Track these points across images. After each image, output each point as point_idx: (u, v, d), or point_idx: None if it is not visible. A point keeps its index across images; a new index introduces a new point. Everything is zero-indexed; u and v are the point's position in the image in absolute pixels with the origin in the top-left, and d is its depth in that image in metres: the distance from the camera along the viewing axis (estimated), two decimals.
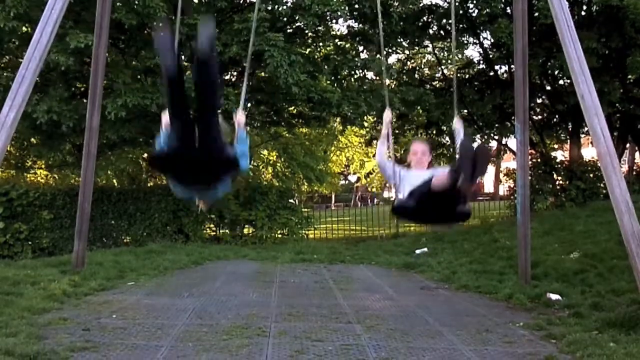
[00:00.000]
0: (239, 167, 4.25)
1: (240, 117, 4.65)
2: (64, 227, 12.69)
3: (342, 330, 5.42)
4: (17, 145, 16.97)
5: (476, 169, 3.94)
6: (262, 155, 25.75)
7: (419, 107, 15.38)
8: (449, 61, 20.41)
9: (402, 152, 21.93)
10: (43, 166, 20.16)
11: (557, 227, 11.84)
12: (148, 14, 10.80)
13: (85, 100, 9.48)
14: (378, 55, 13.94)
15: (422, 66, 20.23)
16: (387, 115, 5.06)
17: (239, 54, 11.42)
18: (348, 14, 12.97)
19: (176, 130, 4.01)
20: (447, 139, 18.99)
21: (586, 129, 13.13)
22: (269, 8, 11.82)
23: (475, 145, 4.16)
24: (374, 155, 5.36)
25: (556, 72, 14.24)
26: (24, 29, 11.79)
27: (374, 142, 21.76)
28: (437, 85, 18.35)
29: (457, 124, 5.30)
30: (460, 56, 19.84)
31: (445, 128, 17.66)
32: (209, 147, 3.95)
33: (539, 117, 17.71)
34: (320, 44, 14.33)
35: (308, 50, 13.61)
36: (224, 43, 11.39)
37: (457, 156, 4.36)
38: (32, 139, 14.75)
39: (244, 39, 11.17)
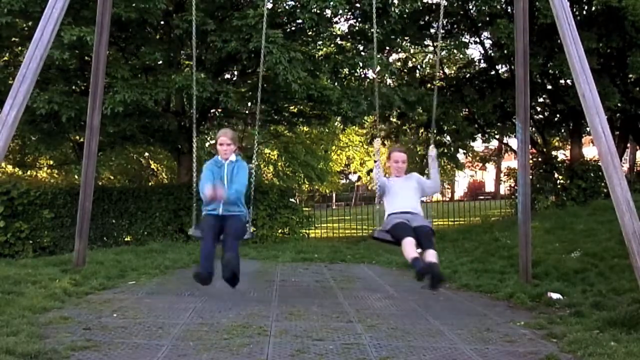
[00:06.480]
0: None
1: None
2: (64, 226, 12.69)
3: (343, 329, 5.41)
4: (18, 143, 16.99)
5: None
6: (263, 154, 25.78)
7: (419, 108, 15.35)
8: (450, 61, 20.40)
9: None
10: (44, 165, 20.19)
11: (558, 226, 11.83)
12: (147, 9, 10.80)
13: (85, 97, 9.48)
14: (379, 55, 13.91)
15: (423, 65, 20.17)
16: (377, 143, 6.43)
17: (239, 50, 11.45)
18: (348, 11, 12.94)
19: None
20: (448, 137, 19.00)
21: (587, 128, 13.13)
22: (269, 6, 11.78)
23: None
24: (374, 164, 6.29)
25: (556, 72, 14.23)
26: (22, 25, 11.77)
27: (375, 140, 21.72)
28: (438, 84, 18.31)
29: (432, 152, 6.33)
30: (461, 56, 19.83)
31: (446, 127, 17.65)
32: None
33: (540, 116, 17.70)
34: (320, 42, 14.29)
35: (308, 48, 13.56)
36: (224, 40, 11.41)
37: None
38: (32, 137, 14.72)
39: (243, 35, 11.19)
